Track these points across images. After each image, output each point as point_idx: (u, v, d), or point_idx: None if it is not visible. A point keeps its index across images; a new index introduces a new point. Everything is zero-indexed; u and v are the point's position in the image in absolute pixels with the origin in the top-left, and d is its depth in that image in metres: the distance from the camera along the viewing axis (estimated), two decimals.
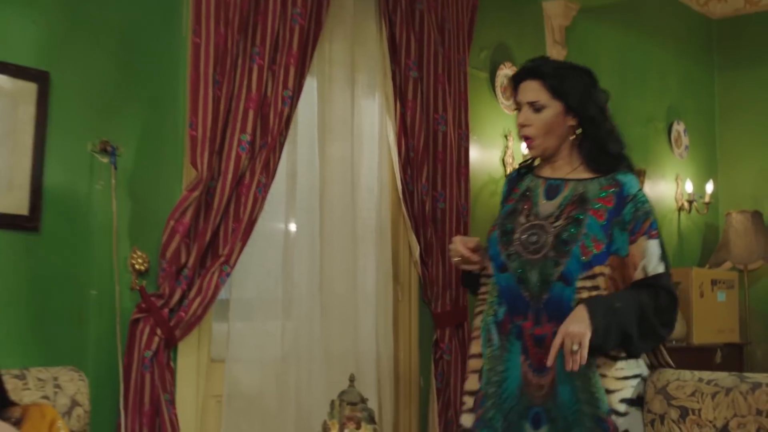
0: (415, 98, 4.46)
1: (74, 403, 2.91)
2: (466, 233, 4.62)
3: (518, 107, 2.94)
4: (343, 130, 4.27)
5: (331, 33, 4.18)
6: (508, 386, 2.79)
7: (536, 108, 2.83)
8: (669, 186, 6.62)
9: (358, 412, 3.04)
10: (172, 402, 3.44)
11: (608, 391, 2.71)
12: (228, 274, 3.60)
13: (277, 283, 3.93)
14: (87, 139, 3.39)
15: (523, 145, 3.10)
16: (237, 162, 3.61)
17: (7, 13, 3.22)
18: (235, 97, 3.66)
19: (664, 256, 2.78)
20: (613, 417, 2.70)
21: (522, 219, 2.84)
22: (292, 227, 4.01)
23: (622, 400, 2.73)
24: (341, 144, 4.25)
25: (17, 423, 2.53)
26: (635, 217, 2.76)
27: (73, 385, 2.97)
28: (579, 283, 2.71)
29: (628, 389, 2.76)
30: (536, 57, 3.03)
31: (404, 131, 4.45)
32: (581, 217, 2.75)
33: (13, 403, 2.61)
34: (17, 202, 3.19)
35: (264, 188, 3.71)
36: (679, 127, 6.74)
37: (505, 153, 5.19)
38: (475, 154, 4.88)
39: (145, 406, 3.36)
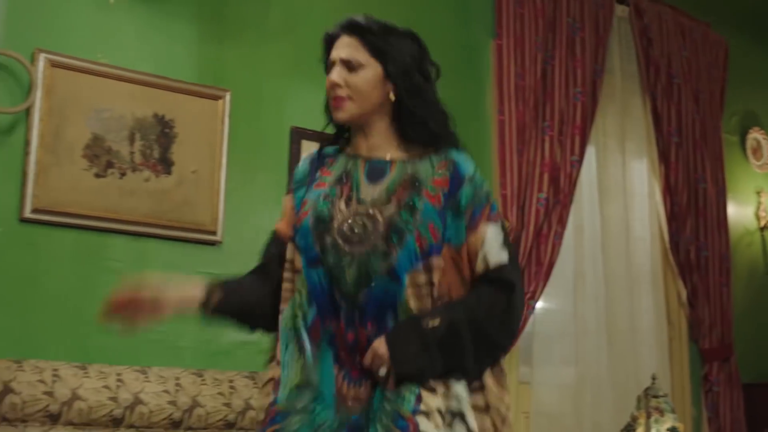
0: (677, 160, 5.12)
1: None
2: (728, 278, 5.20)
3: (328, 68, 2.36)
4: (617, 190, 4.97)
5: (604, 108, 4.92)
6: (323, 400, 2.24)
7: (351, 67, 2.30)
8: None
9: (662, 403, 3.68)
10: None
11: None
12: (533, 308, 4.34)
13: (570, 318, 4.63)
14: None
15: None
16: (537, 216, 4.37)
17: None
18: (532, 162, 4.43)
19: (506, 243, 2.29)
20: (420, 417, 2.12)
21: (342, 205, 2.28)
22: (580, 272, 4.72)
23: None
24: (616, 201, 4.95)
25: None
26: (474, 202, 2.27)
27: None
28: (409, 278, 2.19)
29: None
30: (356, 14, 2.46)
31: (669, 189, 5.11)
32: (416, 202, 2.25)
33: None
34: None
35: (559, 237, 4.44)
36: None
37: (758, 208, 5.74)
38: (731, 209, 5.46)
39: None
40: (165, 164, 3.58)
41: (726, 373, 5.13)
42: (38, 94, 3.36)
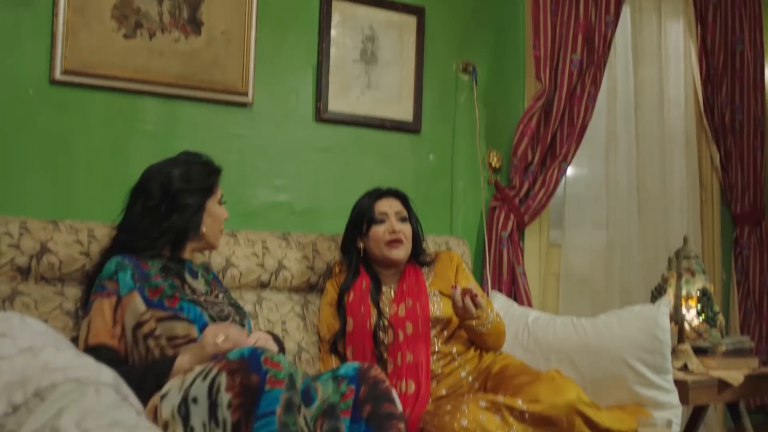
0: (714, 22, 5.00)
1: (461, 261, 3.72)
2: (762, 142, 5.13)
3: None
4: (652, 52, 4.88)
5: None
6: None
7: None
8: None
9: (693, 264, 3.69)
10: (524, 275, 4.19)
11: None
12: (565, 171, 4.31)
13: (601, 182, 4.61)
14: (452, 61, 4.20)
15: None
16: (570, 77, 4.31)
17: None
18: (565, 23, 4.34)
19: None
20: None
21: (190, 296, 2.88)
22: (612, 134, 4.67)
23: None
24: (651, 63, 4.86)
25: (431, 263, 3.35)
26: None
27: (460, 248, 3.80)
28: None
29: None
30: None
31: (705, 51, 5.00)
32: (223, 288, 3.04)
33: (426, 252, 3.43)
34: (404, 111, 4.05)
35: (593, 99, 4.38)
36: None
37: None
38: None
39: (503, 276, 4.14)
40: (194, 24, 3.54)
41: (757, 237, 5.11)
42: None
